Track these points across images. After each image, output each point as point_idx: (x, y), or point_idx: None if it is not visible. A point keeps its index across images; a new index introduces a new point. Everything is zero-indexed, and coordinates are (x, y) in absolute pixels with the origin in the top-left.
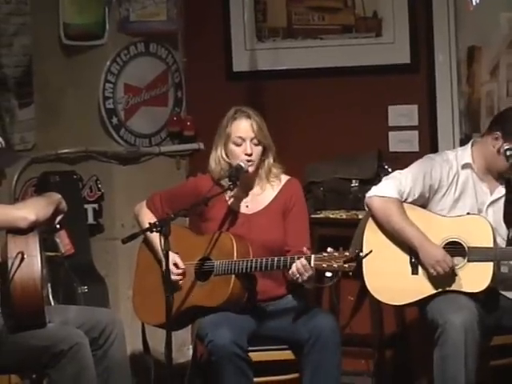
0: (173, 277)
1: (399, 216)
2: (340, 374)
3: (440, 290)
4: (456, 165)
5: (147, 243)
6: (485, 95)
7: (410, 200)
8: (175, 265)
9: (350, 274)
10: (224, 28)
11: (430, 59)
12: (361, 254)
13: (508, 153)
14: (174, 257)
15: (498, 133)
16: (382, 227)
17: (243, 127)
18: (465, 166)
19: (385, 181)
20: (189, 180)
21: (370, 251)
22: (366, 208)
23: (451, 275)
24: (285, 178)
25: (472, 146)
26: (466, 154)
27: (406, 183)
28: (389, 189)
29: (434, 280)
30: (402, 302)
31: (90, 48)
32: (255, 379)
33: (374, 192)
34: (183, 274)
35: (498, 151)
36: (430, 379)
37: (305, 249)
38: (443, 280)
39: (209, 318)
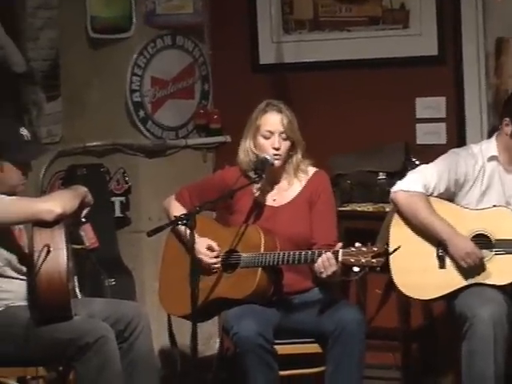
0: (209, 260)
1: (426, 210)
2: (363, 366)
3: (468, 283)
4: (481, 158)
5: (175, 233)
6: None
7: (435, 194)
8: (209, 248)
9: (378, 269)
10: (250, 20)
11: (458, 51)
12: (389, 249)
13: None
14: (205, 240)
15: (507, 119)
16: (408, 222)
17: (273, 121)
18: (490, 159)
19: (410, 175)
20: (216, 173)
21: (399, 247)
22: (392, 203)
23: (479, 268)
24: (312, 170)
25: (496, 138)
26: (491, 146)
27: (432, 178)
28: (414, 183)
29: (461, 273)
30: (430, 296)
31: (116, 41)
32: (281, 372)
33: (400, 186)
34: (218, 257)
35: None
36: (457, 373)
37: (340, 244)
38: (471, 273)
39: (234, 310)
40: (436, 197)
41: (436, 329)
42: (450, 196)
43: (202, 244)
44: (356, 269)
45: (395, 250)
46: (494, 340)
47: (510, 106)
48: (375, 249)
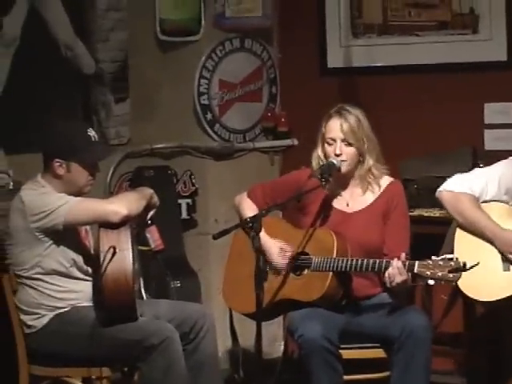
0: (281, 261)
1: (471, 208)
2: (430, 372)
3: None
4: None
5: (244, 231)
6: None
7: (482, 199)
8: (282, 249)
9: (454, 284)
10: (319, 24)
11: None
12: (467, 264)
13: None
14: (278, 242)
15: None
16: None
17: (334, 127)
18: None
19: (458, 175)
20: (292, 173)
21: (478, 263)
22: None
23: None
24: (387, 179)
25: None
26: None
27: (480, 182)
28: (459, 183)
29: None
30: (494, 298)
31: (185, 44)
32: (346, 377)
33: (444, 186)
34: (292, 258)
35: None
36: None
37: (403, 255)
38: None
39: (299, 312)
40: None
41: (502, 335)
42: (510, 202)
43: (274, 246)
44: (431, 282)
45: (473, 266)
46: None
47: None
48: (452, 263)
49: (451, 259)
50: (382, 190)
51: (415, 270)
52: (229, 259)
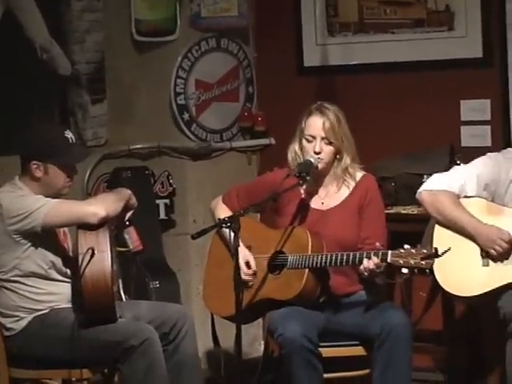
0: (243, 276)
1: (450, 206)
2: (411, 369)
3: (511, 280)
4: None
5: (220, 234)
6: None
7: (462, 196)
8: (247, 263)
9: (428, 271)
10: (295, 23)
11: (503, 53)
12: (438, 251)
13: None
14: (246, 256)
15: None
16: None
17: (314, 125)
18: None
19: (435, 175)
20: (266, 174)
21: (449, 249)
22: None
23: None
24: (360, 173)
25: None
26: None
27: (458, 179)
28: (438, 183)
29: (505, 270)
30: (473, 293)
31: (161, 44)
32: (326, 375)
33: (424, 187)
34: (254, 274)
35: None
36: (503, 375)
37: (377, 244)
38: None
39: (279, 311)
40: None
41: (481, 331)
42: (489, 198)
43: (241, 256)
44: (405, 270)
45: (445, 252)
46: None
47: None
48: (424, 251)
49: (423, 247)
50: (355, 184)
51: (388, 260)
52: (207, 265)
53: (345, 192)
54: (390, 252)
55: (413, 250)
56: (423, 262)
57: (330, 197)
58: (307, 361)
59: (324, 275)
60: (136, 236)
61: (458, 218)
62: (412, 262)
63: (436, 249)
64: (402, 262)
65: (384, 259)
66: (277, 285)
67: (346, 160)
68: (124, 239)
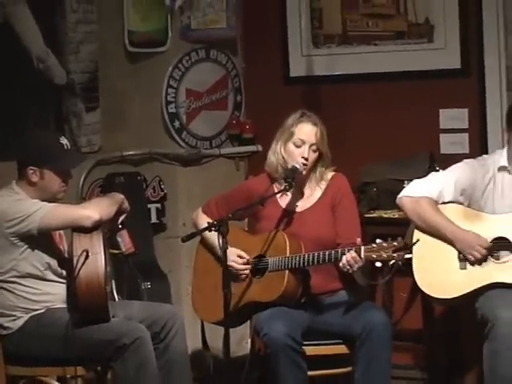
0: (239, 266)
1: (430, 212)
2: (390, 367)
3: (488, 282)
4: (493, 168)
5: (205, 244)
6: None
7: (440, 201)
8: (239, 256)
9: (400, 263)
10: (281, 35)
11: (480, 64)
12: (408, 243)
13: None
14: (235, 251)
15: (509, 128)
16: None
17: (308, 131)
18: (500, 169)
19: (415, 181)
20: (242, 183)
21: (418, 240)
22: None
23: (500, 268)
24: (330, 173)
25: (507, 148)
26: (502, 156)
27: (436, 185)
28: (417, 188)
29: (482, 273)
30: (452, 295)
31: (153, 54)
32: (310, 372)
33: (404, 192)
34: (247, 263)
35: (509, 143)
36: (481, 374)
37: (358, 240)
38: (490, 273)
39: (264, 312)
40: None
41: (460, 331)
42: (467, 203)
43: (232, 253)
44: (378, 264)
45: (414, 243)
46: None
47: (509, 117)
48: (395, 243)
49: (394, 240)
50: (326, 185)
51: (362, 255)
52: (194, 275)
53: (318, 193)
54: (362, 247)
55: (384, 244)
56: (395, 255)
57: (304, 199)
58: (292, 359)
59: (304, 275)
60: (128, 239)
61: (438, 224)
62: (384, 255)
63: (406, 242)
64: (374, 256)
65: (358, 254)
66: (260, 288)
67: (323, 168)
68: (117, 242)
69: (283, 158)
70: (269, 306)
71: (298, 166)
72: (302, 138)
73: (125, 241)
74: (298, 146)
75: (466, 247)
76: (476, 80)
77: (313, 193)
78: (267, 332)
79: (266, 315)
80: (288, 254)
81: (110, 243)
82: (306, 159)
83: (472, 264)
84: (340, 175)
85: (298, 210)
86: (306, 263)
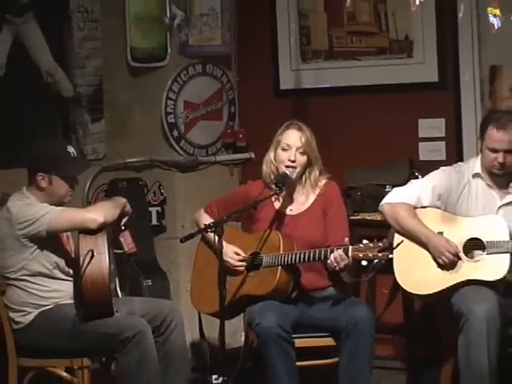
0: (235, 262)
1: (407, 217)
2: (373, 358)
3: (462, 279)
4: (467, 175)
5: (205, 241)
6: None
7: (419, 206)
8: (236, 253)
9: (384, 262)
10: (272, 50)
11: (456, 77)
12: (393, 244)
13: None
14: (233, 248)
15: (481, 137)
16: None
17: (292, 136)
18: (475, 176)
19: (395, 189)
20: (240, 187)
21: (401, 241)
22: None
23: (473, 266)
24: (323, 180)
25: (480, 156)
26: (476, 164)
27: (414, 191)
28: (396, 196)
29: (456, 271)
30: (429, 291)
31: (153, 69)
32: (298, 363)
33: (385, 200)
34: (243, 260)
35: (482, 151)
36: (456, 364)
37: (346, 239)
38: (464, 271)
39: (257, 305)
40: (432, 207)
41: (437, 324)
42: (442, 207)
43: (229, 249)
44: (364, 262)
45: (398, 244)
46: (488, 333)
47: (481, 127)
48: (380, 244)
49: (379, 241)
50: (319, 191)
51: (349, 254)
52: (194, 269)
53: (311, 198)
54: (350, 247)
55: (371, 244)
56: (380, 254)
57: (298, 203)
58: (282, 348)
59: (295, 272)
60: (130, 239)
61: (413, 228)
62: (370, 254)
63: (391, 242)
64: (361, 255)
65: (346, 253)
66: (254, 282)
67: (316, 173)
68: (120, 242)
69: (274, 165)
70: (261, 300)
71: (288, 173)
72: (287, 143)
73: (127, 241)
74: (285, 150)
75: (437, 252)
76: (452, 92)
77: (307, 198)
78: (259, 322)
79: (258, 307)
80: (281, 252)
81: (114, 244)
82: (293, 161)
83: (442, 267)
84: (332, 183)
85: (292, 213)
86: (297, 260)
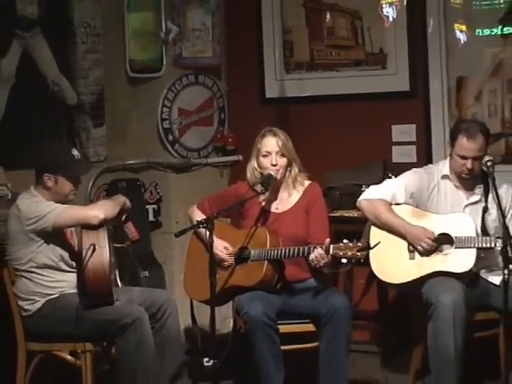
0: (224, 256)
1: (384, 212)
2: (350, 342)
3: (433, 270)
4: (437, 176)
5: (197, 234)
6: (470, 116)
7: (393, 203)
8: (225, 248)
9: (362, 261)
10: (258, 62)
11: (426, 87)
12: (371, 244)
13: (488, 163)
14: (222, 243)
15: (451, 143)
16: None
17: (269, 143)
18: (443, 177)
19: (372, 187)
20: (231, 186)
21: (379, 242)
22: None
23: (442, 259)
24: (307, 182)
25: (449, 159)
26: (445, 166)
27: (389, 189)
28: (373, 193)
29: (427, 263)
30: (402, 281)
31: (150, 79)
32: (282, 347)
33: (362, 196)
34: (231, 254)
35: (451, 156)
36: (426, 348)
37: (327, 240)
38: (435, 262)
39: (245, 295)
40: (407, 204)
41: (409, 311)
42: (415, 204)
43: (219, 244)
44: (344, 260)
45: (376, 245)
46: (454, 321)
47: (451, 134)
48: (359, 244)
49: (358, 241)
50: (303, 191)
51: (330, 252)
52: (187, 260)
53: (295, 197)
54: (331, 246)
55: (350, 244)
56: (359, 254)
57: (283, 202)
58: (267, 334)
59: (280, 265)
60: (133, 228)
61: (390, 221)
62: (349, 253)
63: (369, 242)
64: (341, 253)
65: (327, 251)
66: (242, 274)
67: (295, 170)
68: (123, 234)
69: (258, 171)
70: (249, 290)
71: (272, 173)
72: (267, 150)
73: (130, 230)
74: (265, 157)
75: (416, 240)
76: (422, 100)
77: (291, 196)
78: (247, 311)
79: (245, 297)
80: (268, 247)
81: (115, 237)
82: (275, 165)
83: (421, 254)
84: (315, 184)
85: (277, 211)
86: (283, 256)
